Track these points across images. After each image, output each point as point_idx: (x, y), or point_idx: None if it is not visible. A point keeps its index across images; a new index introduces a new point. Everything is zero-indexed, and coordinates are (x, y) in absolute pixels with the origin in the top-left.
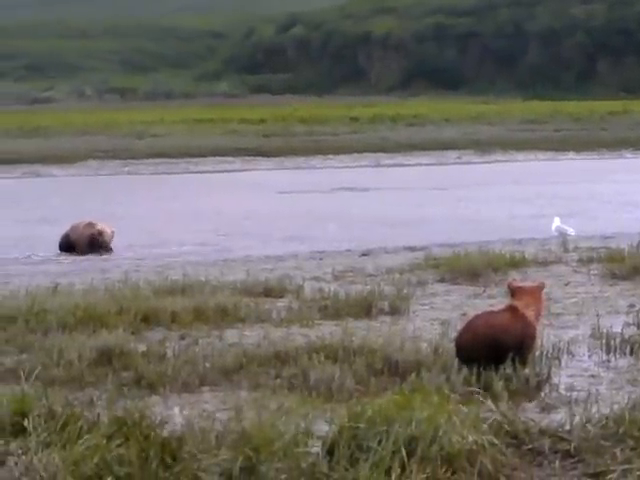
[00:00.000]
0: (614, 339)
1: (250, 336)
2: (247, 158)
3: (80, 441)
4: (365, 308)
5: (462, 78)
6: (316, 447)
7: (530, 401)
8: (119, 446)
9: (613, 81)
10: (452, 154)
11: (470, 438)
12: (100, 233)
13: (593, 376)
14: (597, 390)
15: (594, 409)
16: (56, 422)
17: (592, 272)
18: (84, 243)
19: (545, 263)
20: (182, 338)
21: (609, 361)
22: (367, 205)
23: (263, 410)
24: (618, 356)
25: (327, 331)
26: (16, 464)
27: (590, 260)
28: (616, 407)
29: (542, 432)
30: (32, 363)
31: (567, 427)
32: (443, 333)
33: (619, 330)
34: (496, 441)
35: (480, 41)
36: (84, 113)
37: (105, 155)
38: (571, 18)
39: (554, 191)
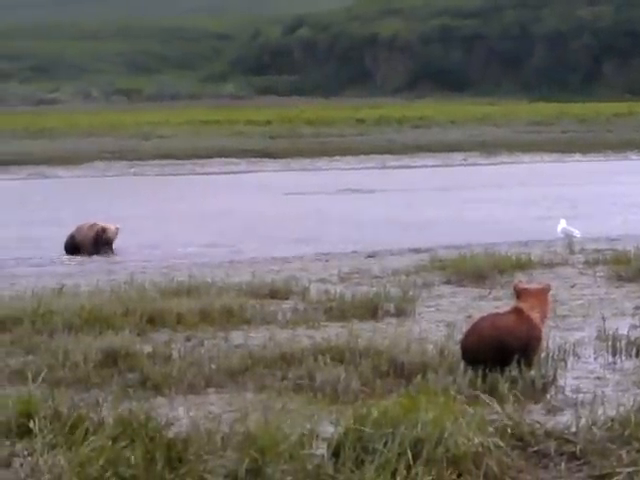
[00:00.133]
0: (620, 341)
1: (256, 338)
2: (253, 159)
3: (86, 442)
4: (371, 310)
5: (468, 80)
6: (322, 449)
7: (536, 403)
8: (125, 447)
9: (619, 83)
10: (458, 156)
11: (476, 440)
12: (104, 230)
13: (599, 378)
14: (603, 392)
15: (600, 411)
16: (62, 423)
17: (598, 274)
18: (89, 243)
19: (551, 265)
20: (188, 339)
21: (615, 363)
22: (373, 207)
23: (269, 412)
24: (624, 358)
25: (333, 333)
26: (22, 465)
27: (596, 262)
28: (622, 409)
29: (548, 434)
30: (38, 364)
31: (573, 429)
32: (449, 335)
33: (625, 332)
34: (502, 443)
35: (486, 43)
36: (90, 114)
37: (111, 156)
38: (577, 20)
39: (560, 193)
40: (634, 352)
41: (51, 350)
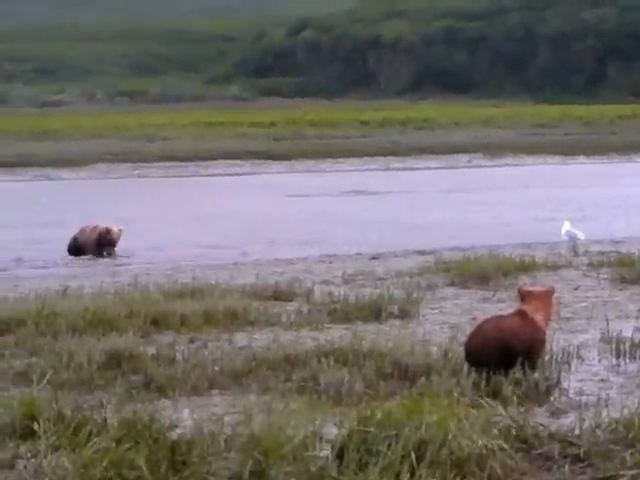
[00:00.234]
0: (624, 343)
1: (260, 339)
2: (257, 161)
3: (89, 444)
4: (375, 312)
5: (472, 82)
6: (325, 451)
7: (540, 406)
8: (128, 449)
9: (623, 85)
10: (462, 158)
11: (480, 442)
12: (108, 231)
13: (603, 380)
14: (607, 394)
15: (604, 413)
16: (66, 425)
17: (602, 276)
18: (92, 245)
19: (555, 267)
20: (192, 341)
21: (619, 365)
22: (377, 208)
23: (272, 413)
24: (628, 360)
25: (337, 335)
26: (25, 467)
27: (600, 264)
28: (626, 411)
29: (551, 437)
30: (42, 366)
31: (577, 432)
32: (453, 337)
33: (629, 334)
34: (505, 445)
35: (490, 45)
36: (94, 116)
37: (115, 158)
38: (581, 22)
39: (564, 195)
40: (638, 354)
41: (55, 352)
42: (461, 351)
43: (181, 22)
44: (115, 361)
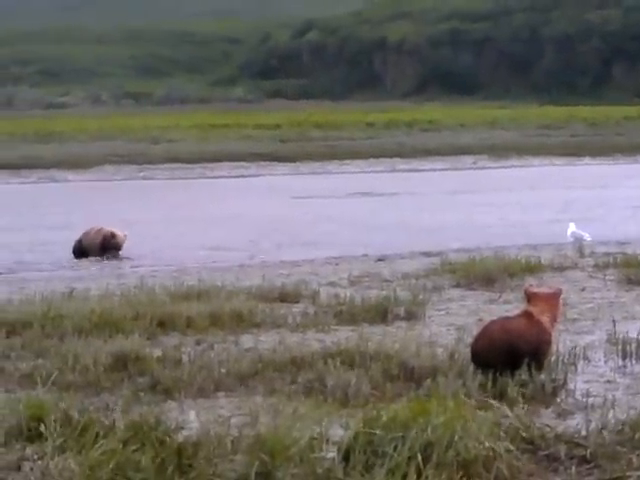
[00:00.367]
0: (630, 344)
1: (266, 341)
2: (262, 163)
3: (96, 446)
4: (381, 313)
5: (477, 83)
6: (332, 452)
7: (546, 407)
8: (135, 451)
9: (628, 86)
10: (467, 159)
11: (486, 444)
12: (113, 235)
13: (609, 382)
14: (613, 396)
15: (610, 415)
16: (72, 427)
17: (608, 277)
18: (96, 248)
19: (561, 268)
20: (198, 343)
21: (625, 367)
22: (382, 210)
23: (279, 415)
24: (634, 362)
25: (343, 336)
26: (32, 469)
27: (606, 265)
28: (632, 413)
29: (558, 438)
30: (48, 368)
31: (583, 433)
32: (459, 339)
33: (635, 335)
34: (512, 447)
35: (495, 46)
36: (99, 118)
37: (120, 160)
38: (586, 23)
39: (570, 196)
40: None
41: (61, 354)
42: (467, 352)
43: (186, 24)
44: (121, 363)
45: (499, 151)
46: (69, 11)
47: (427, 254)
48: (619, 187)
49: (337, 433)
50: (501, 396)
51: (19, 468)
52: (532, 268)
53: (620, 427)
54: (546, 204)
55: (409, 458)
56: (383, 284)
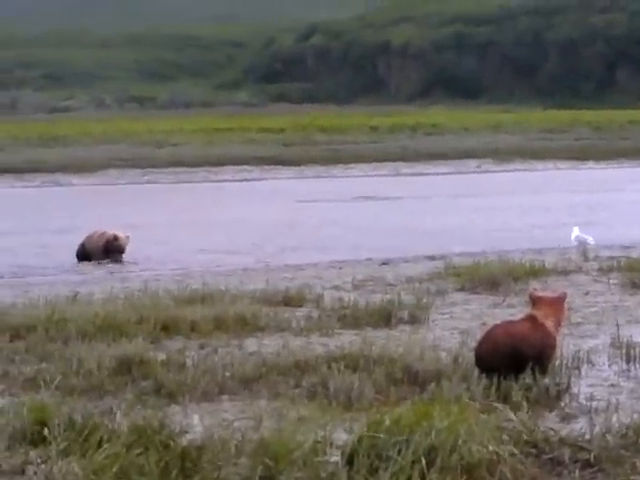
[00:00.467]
0: (634, 348)
1: (270, 345)
2: (266, 167)
3: (100, 450)
4: (385, 317)
5: (481, 87)
6: (335, 456)
7: (550, 411)
8: (139, 455)
9: (633, 90)
10: (471, 163)
11: (490, 448)
12: (116, 238)
13: (613, 385)
14: (617, 400)
15: (614, 419)
16: (76, 431)
17: (612, 281)
18: (99, 252)
19: (565, 272)
20: (202, 347)
21: (629, 370)
22: (386, 214)
23: (282, 419)
24: (638, 366)
25: (347, 340)
26: (36, 473)
27: (610, 269)
28: (636, 417)
29: (562, 442)
30: (52, 372)
31: (587, 437)
32: (463, 342)
33: (639, 339)
34: (516, 451)
35: (499, 50)
36: (103, 122)
37: (125, 164)
38: (590, 27)
39: (573, 200)
40: None
41: (65, 358)
42: (471, 356)
43: (190, 28)
44: (125, 367)
45: (503, 155)
46: (73, 15)
47: (431, 258)
48: (623, 191)
49: (341, 437)
50: (505, 400)
51: (23, 472)
52: (536, 272)
53: (624, 431)
54: (550, 208)
55: (413, 462)
56: (387, 288)
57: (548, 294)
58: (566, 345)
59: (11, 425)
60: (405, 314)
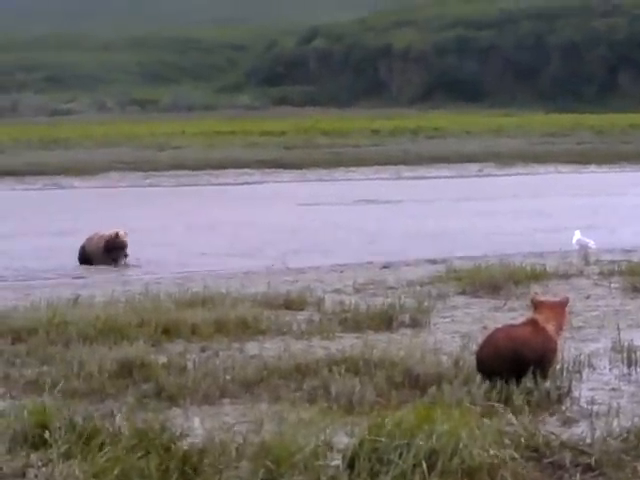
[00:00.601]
0: (635, 352)
1: (271, 348)
2: (268, 170)
3: (101, 453)
4: (386, 321)
5: (483, 91)
6: (336, 460)
7: (551, 414)
8: (140, 458)
9: (634, 94)
10: (473, 167)
11: (491, 451)
12: (117, 235)
13: (614, 389)
14: (618, 403)
15: (615, 423)
16: (77, 434)
17: (613, 285)
18: (100, 253)
19: (566, 276)
20: (203, 350)
21: (630, 374)
22: (388, 217)
23: (283, 423)
24: (639, 369)
25: (348, 344)
26: (36, 476)
27: (611, 273)
28: (637, 420)
29: (563, 445)
30: (53, 375)
31: (588, 441)
32: (464, 346)
33: None
34: (517, 454)
35: (501, 54)
36: (105, 125)
37: (126, 167)
38: (592, 31)
39: (575, 204)
40: None
41: (66, 360)
42: (472, 360)
43: (192, 31)
44: (126, 370)
45: (505, 159)
46: (74, 18)
47: (432, 261)
48: (625, 195)
49: (342, 440)
50: (506, 404)
51: (24, 475)
52: (537, 276)
53: (625, 435)
54: (551, 212)
55: (414, 466)
56: (388, 291)
57: (550, 298)
58: (567, 349)
59: (12, 428)
60: (406, 317)
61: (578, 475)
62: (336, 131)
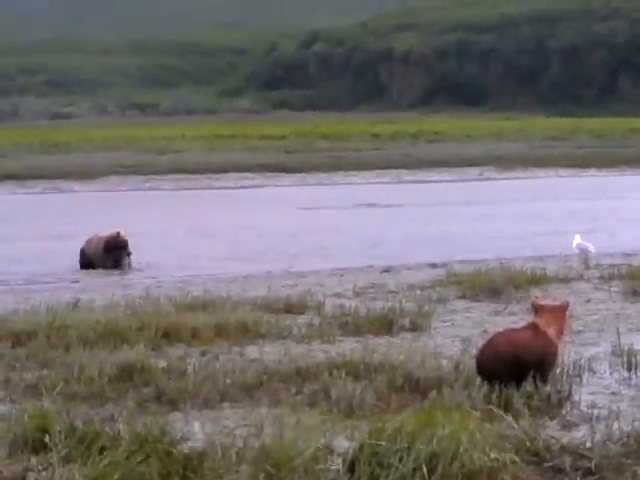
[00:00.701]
0: (635, 356)
1: (271, 352)
2: (268, 174)
3: (101, 457)
4: (386, 325)
5: (484, 94)
6: (337, 464)
7: (551, 418)
8: (140, 462)
9: (635, 98)
10: (473, 171)
11: (491, 455)
12: (117, 234)
13: (614, 393)
14: (618, 407)
15: (615, 426)
16: (77, 438)
17: (613, 289)
18: (100, 254)
19: (566, 280)
20: (203, 354)
21: (630, 378)
22: (388, 221)
23: (284, 426)
24: (639, 373)
25: (348, 347)
26: None
27: (611, 277)
28: (637, 424)
29: (563, 449)
30: (53, 379)
31: (588, 444)
32: (464, 350)
33: None
34: (517, 458)
35: (502, 57)
36: (105, 129)
37: (126, 171)
38: (593, 35)
39: (575, 208)
40: None
41: (66, 364)
42: (472, 364)
43: (192, 35)
44: (126, 374)
45: (505, 162)
46: (75, 22)
47: (432, 265)
48: (625, 199)
49: (342, 444)
50: (506, 407)
51: (24, 479)
52: (537, 279)
53: (625, 439)
54: (552, 216)
55: (414, 469)
56: (388, 295)
57: (550, 302)
58: (567, 353)
59: (12, 432)
60: (406, 321)
61: (578, 479)
62: (336, 135)
